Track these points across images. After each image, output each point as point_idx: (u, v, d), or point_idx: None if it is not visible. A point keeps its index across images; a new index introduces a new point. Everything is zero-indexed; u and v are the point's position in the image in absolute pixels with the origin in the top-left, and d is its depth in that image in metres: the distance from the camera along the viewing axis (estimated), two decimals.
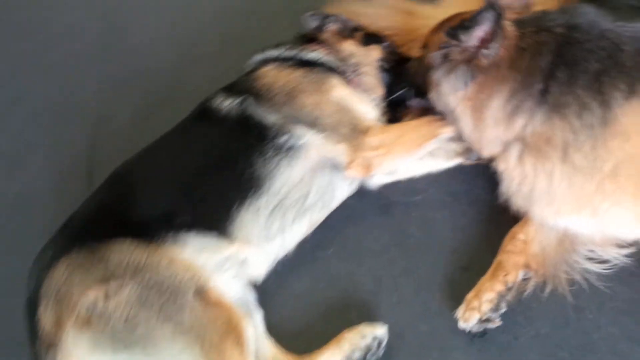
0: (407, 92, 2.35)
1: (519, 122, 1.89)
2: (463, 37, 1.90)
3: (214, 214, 1.98)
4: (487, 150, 2.04)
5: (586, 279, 2.00)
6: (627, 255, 2.00)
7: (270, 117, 2.10)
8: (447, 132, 2.18)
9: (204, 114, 2.17)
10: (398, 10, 2.73)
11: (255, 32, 3.04)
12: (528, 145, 1.91)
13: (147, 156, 2.13)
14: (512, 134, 1.92)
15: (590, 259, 2.03)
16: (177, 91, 2.80)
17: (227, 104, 2.14)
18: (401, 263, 2.15)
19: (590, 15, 1.89)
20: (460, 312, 1.95)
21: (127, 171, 2.10)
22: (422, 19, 2.65)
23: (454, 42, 1.93)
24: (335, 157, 2.13)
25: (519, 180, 1.99)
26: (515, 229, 2.09)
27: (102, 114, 2.63)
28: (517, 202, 2.04)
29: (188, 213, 1.94)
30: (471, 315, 1.92)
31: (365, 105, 2.28)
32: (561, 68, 1.81)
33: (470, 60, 1.92)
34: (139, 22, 3.38)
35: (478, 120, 1.97)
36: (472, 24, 1.86)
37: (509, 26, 1.90)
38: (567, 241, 2.05)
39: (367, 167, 2.13)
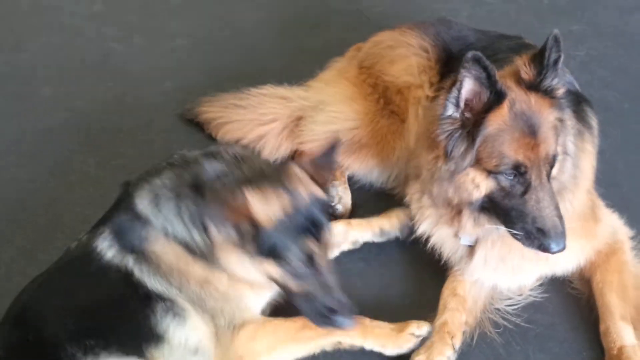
0: None
1: None
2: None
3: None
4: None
5: (505, 318, 2.16)
6: (531, 290, 2.22)
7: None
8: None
9: (85, 254, 1.97)
10: (273, 97, 2.84)
11: None
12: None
13: (39, 290, 1.96)
14: None
15: (502, 299, 2.21)
16: None
17: (111, 255, 1.94)
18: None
19: None
20: None
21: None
22: (297, 101, 2.79)
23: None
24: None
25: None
26: (452, 284, 2.19)
27: None
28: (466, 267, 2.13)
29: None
30: None
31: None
32: None
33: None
34: None
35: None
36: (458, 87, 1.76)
37: None
38: (490, 293, 2.21)
39: None
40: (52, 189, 2.72)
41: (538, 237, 1.75)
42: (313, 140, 2.64)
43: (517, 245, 1.91)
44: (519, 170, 1.76)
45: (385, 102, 2.59)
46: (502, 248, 2.04)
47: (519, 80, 1.82)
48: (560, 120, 1.83)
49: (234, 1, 3.89)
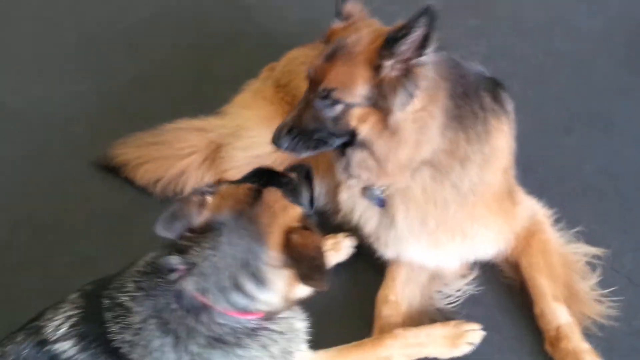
0: None
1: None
2: (399, 48, 1.75)
3: None
4: (401, 176, 1.99)
5: (446, 317, 2.20)
6: (467, 284, 2.29)
7: None
8: None
9: None
10: (189, 130, 2.80)
11: None
12: (437, 167, 1.99)
13: None
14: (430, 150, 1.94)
15: (440, 299, 2.26)
16: None
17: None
18: None
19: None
20: None
21: None
22: (214, 130, 2.75)
23: (389, 59, 1.77)
24: None
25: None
26: (384, 291, 2.22)
27: None
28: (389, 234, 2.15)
29: None
30: None
31: None
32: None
33: (409, 71, 1.79)
34: None
35: (421, 135, 1.90)
36: (408, 31, 1.72)
37: None
38: (426, 292, 2.25)
39: None
40: None
41: None
42: (236, 167, 2.60)
43: (432, 205, 2.04)
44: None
45: None
46: (418, 207, 2.06)
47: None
48: (378, 86, 1.79)
49: (135, 37, 3.79)
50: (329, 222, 2.45)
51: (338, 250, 2.36)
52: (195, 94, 3.26)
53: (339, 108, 1.85)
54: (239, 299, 1.60)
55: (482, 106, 2.06)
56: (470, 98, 2.01)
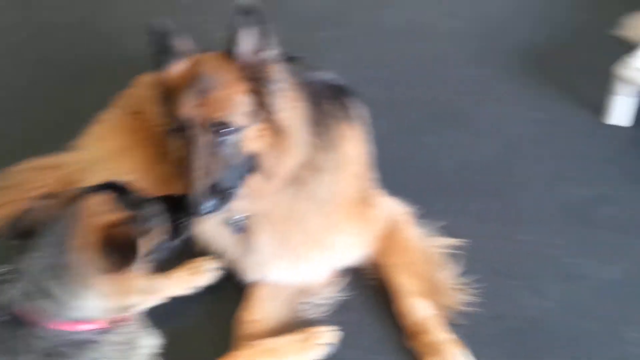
0: None
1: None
2: (240, 52, 1.79)
3: None
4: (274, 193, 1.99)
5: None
6: (337, 291, 2.26)
7: None
8: None
9: None
10: (40, 169, 2.63)
11: None
12: (295, 180, 1.98)
13: None
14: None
15: (308, 310, 2.22)
16: None
17: None
18: None
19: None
20: None
21: None
22: (67, 167, 2.59)
23: (245, 68, 1.81)
24: None
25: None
26: (241, 312, 2.15)
27: None
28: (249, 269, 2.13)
29: None
30: None
31: None
32: None
33: (263, 71, 1.82)
34: None
35: (298, 133, 1.92)
36: (234, 33, 1.77)
37: None
38: (293, 306, 2.20)
39: None
40: None
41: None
42: None
43: (291, 221, 2.04)
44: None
45: (165, 144, 2.49)
46: (279, 227, 2.06)
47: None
48: (256, 92, 1.82)
49: None
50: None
51: (199, 274, 2.28)
52: (53, 131, 3.06)
53: (233, 138, 1.81)
54: (51, 305, 1.52)
55: (329, 114, 2.09)
56: (317, 106, 2.03)
